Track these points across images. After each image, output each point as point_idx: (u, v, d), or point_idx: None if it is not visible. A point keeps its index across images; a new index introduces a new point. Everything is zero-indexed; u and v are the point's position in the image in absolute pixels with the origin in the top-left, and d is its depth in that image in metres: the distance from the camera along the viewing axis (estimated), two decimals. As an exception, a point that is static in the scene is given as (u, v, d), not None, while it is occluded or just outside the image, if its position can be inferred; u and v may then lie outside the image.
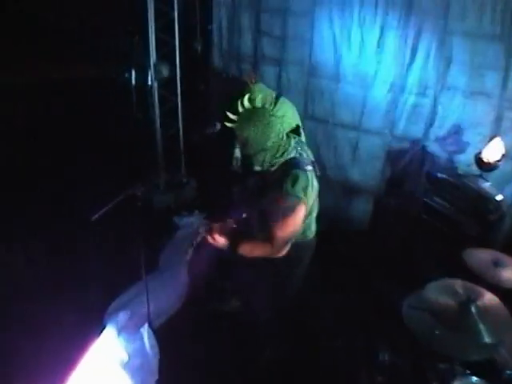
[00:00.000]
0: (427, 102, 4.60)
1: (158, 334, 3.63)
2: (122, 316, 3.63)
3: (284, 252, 2.85)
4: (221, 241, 2.84)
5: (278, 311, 3.32)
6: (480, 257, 3.37)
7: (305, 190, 2.72)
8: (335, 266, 3.80)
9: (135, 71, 5.98)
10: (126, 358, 3.38)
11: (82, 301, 4.01)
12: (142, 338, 3.48)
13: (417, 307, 3.03)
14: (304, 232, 3.02)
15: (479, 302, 2.84)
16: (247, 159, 2.89)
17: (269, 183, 2.86)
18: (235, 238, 2.85)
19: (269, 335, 3.55)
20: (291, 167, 2.76)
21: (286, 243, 2.81)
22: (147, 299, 3.53)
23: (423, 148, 4.67)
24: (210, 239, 2.85)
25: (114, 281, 4.26)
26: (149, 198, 5.52)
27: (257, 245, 2.89)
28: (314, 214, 3.08)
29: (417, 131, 4.73)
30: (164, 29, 5.49)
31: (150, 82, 5.65)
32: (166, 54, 5.60)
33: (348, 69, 4.97)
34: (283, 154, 2.82)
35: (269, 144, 2.73)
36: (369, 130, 4.99)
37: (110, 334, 3.45)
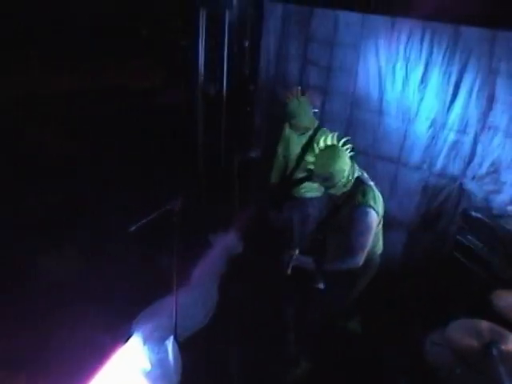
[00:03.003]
0: (467, 140, 4.58)
1: (183, 348, 3.71)
2: (149, 326, 3.73)
3: (361, 262, 3.20)
4: (307, 262, 3.21)
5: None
6: (509, 300, 3.34)
7: (374, 199, 3.26)
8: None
9: (183, 87, 6.16)
10: (148, 367, 3.48)
11: (112, 308, 4.14)
12: (166, 350, 3.56)
13: (440, 344, 3.03)
14: (373, 247, 3.41)
15: (503, 346, 2.83)
16: (328, 189, 3.37)
17: (339, 203, 3.37)
18: (319, 258, 3.24)
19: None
20: (359, 184, 3.33)
21: (364, 252, 3.19)
22: (175, 313, 3.63)
23: (460, 186, 4.65)
24: (294, 262, 3.19)
25: (145, 291, 4.38)
26: (186, 214, 5.62)
27: (338, 259, 3.28)
28: (381, 226, 3.45)
29: (455, 168, 4.70)
30: (214, 49, 5.66)
31: (196, 100, 5.81)
32: (214, 74, 5.75)
33: (391, 103, 5.00)
34: (353, 175, 3.34)
35: (346, 172, 3.26)
36: (407, 165, 4.98)
37: (135, 342, 3.55)
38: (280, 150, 4.86)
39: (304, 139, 4.57)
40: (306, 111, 4.49)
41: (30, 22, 8.71)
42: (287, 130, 4.76)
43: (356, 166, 3.44)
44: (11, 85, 7.68)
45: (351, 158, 3.38)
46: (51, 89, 8.27)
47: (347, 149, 3.33)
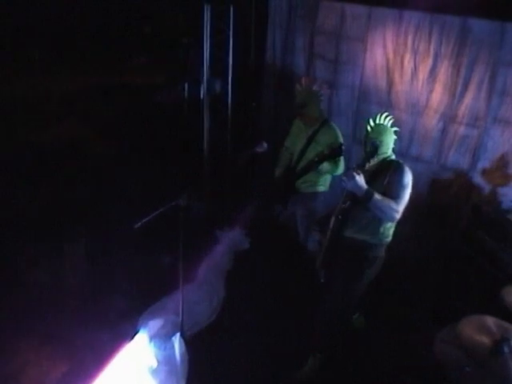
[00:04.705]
0: (476, 134, 4.53)
1: (189, 344, 3.69)
2: (156, 323, 3.69)
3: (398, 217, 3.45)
4: (362, 181, 3.34)
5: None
6: (519, 296, 3.30)
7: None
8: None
9: (188, 84, 6.13)
10: (154, 364, 3.46)
11: (118, 305, 4.15)
12: (172, 347, 3.53)
13: (449, 341, 2.99)
14: (388, 229, 3.63)
15: (513, 342, 2.78)
16: (368, 157, 3.57)
17: (378, 174, 3.56)
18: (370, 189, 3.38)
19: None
20: (391, 160, 3.64)
21: (402, 206, 3.43)
22: (181, 309, 3.61)
23: (470, 180, 4.60)
24: (355, 175, 3.32)
25: (152, 288, 4.37)
26: (192, 210, 5.62)
27: (387, 200, 3.38)
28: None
29: (464, 162, 4.66)
30: (219, 45, 5.63)
31: (201, 96, 5.79)
32: (219, 70, 5.73)
33: (399, 96, 4.96)
34: (390, 157, 3.67)
35: (390, 149, 3.65)
36: (416, 158, 4.94)
37: (142, 339, 3.53)
38: (287, 144, 4.83)
39: (310, 132, 4.53)
40: (316, 101, 4.47)
41: (31, 20, 8.71)
42: (295, 124, 4.73)
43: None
44: (13, 84, 7.69)
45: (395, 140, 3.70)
46: (55, 87, 8.28)
47: (394, 131, 3.68)
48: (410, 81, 4.86)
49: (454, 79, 4.59)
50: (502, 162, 4.41)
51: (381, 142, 3.58)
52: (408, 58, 4.82)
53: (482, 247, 4.12)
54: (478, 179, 4.57)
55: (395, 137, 3.68)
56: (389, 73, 4.99)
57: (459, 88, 4.58)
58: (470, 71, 4.49)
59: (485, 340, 2.83)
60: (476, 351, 2.80)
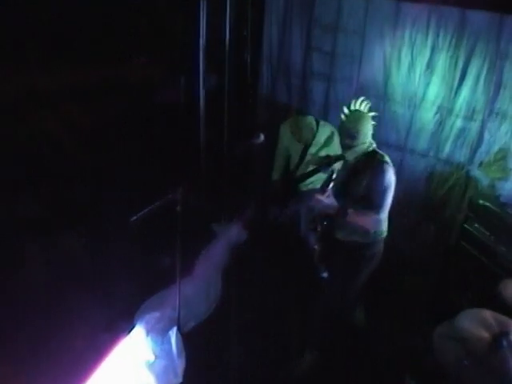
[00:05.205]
0: (474, 127, 4.53)
1: (186, 338, 3.68)
2: (153, 317, 3.70)
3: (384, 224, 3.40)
4: (330, 200, 3.29)
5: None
6: (517, 289, 3.30)
7: (391, 165, 3.36)
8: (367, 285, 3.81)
9: (184, 79, 6.08)
10: (152, 358, 3.47)
11: (114, 299, 4.12)
12: (169, 341, 3.54)
13: (447, 336, 2.98)
14: (381, 224, 3.47)
15: (512, 336, 2.77)
16: (346, 149, 3.46)
17: (358, 168, 3.43)
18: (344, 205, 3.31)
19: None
20: (375, 152, 3.44)
21: (385, 210, 3.33)
22: (178, 303, 3.60)
23: (467, 173, 4.59)
24: (322, 197, 3.26)
25: (148, 282, 4.34)
26: (188, 203, 5.58)
27: (365, 212, 3.32)
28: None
29: (461, 155, 4.65)
30: (215, 40, 5.58)
31: (198, 90, 5.74)
32: (215, 65, 5.68)
33: (396, 88, 4.93)
34: (371, 145, 3.45)
35: (369, 137, 3.42)
36: (413, 151, 4.94)
37: (138, 333, 3.53)
38: (280, 150, 4.83)
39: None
40: (308, 128, 4.55)
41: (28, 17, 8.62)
42: (284, 131, 4.76)
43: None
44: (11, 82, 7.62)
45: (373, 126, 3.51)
46: (51, 85, 8.21)
47: (372, 117, 3.48)
48: (407, 73, 4.83)
49: (452, 72, 4.56)
50: (499, 155, 4.40)
51: (357, 131, 3.36)
52: (405, 50, 4.78)
53: (479, 241, 4.12)
54: (475, 173, 4.57)
55: (373, 122, 3.49)
56: (386, 65, 4.96)
57: (457, 81, 4.56)
58: (467, 64, 4.48)
59: (483, 334, 2.82)
60: (475, 345, 2.79)
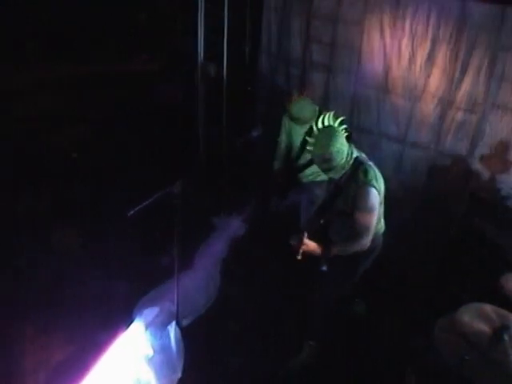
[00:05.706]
0: (475, 119, 4.49)
1: (185, 333, 3.68)
2: (151, 311, 3.70)
3: (369, 243, 3.22)
4: (313, 246, 3.13)
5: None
6: (519, 283, 3.29)
7: (375, 178, 3.23)
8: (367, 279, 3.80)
9: (183, 69, 6.05)
10: (150, 352, 3.46)
11: (113, 293, 4.12)
12: (168, 335, 3.55)
13: (448, 330, 2.97)
14: (376, 226, 3.33)
15: (513, 330, 2.76)
16: (327, 171, 3.34)
17: (340, 185, 3.34)
18: (327, 243, 3.21)
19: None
20: (358, 164, 3.29)
21: (370, 233, 3.20)
22: (177, 298, 3.59)
23: (468, 166, 4.57)
24: (303, 247, 3.09)
25: (147, 276, 4.35)
26: (187, 197, 5.55)
27: (348, 241, 3.23)
28: (382, 205, 3.47)
29: (462, 148, 4.62)
30: (213, 29, 5.54)
31: (196, 82, 5.71)
32: (214, 55, 5.64)
33: (396, 80, 4.89)
34: (351, 157, 3.29)
35: (345, 153, 3.23)
36: (414, 144, 4.91)
37: (137, 328, 3.52)
38: (282, 138, 4.79)
39: (307, 126, 4.49)
40: (309, 109, 4.45)
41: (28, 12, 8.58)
42: (288, 122, 4.68)
43: (353, 146, 3.39)
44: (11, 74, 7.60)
45: (348, 137, 3.32)
46: (51, 77, 8.20)
47: (343, 129, 3.29)
48: (407, 65, 4.79)
49: (453, 64, 4.52)
50: (500, 148, 4.37)
51: (330, 153, 3.17)
52: (406, 42, 4.74)
53: (480, 234, 4.11)
54: (476, 165, 4.54)
55: (346, 134, 3.28)
56: (386, 57, 4.91)
57: (457, 73, 4.52)
58: (468, 56, 4.43)
59: (484, 328, 2.82)
60: (476, 339, 2.79)
